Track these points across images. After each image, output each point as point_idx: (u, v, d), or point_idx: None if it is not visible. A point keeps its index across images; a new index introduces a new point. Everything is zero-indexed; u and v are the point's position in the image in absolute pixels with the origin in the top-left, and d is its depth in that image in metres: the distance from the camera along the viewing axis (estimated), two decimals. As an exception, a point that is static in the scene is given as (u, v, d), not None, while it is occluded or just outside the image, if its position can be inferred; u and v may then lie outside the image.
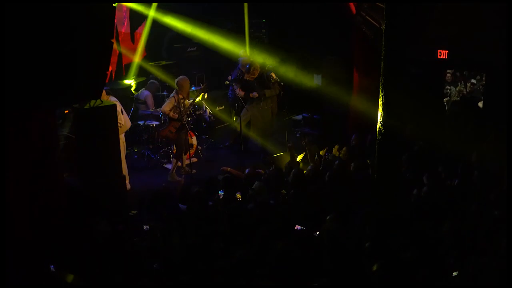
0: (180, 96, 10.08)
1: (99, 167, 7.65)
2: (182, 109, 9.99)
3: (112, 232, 6.39)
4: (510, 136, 7.98)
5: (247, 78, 11.07)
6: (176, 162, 10.27)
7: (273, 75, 11.33)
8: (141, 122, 11.04)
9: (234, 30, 13.30)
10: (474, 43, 9.89)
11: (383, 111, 6.75)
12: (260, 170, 8.65)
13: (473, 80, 11.19)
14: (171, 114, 9.99)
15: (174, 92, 10.22)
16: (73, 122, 8.77)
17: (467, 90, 11.14)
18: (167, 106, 10.01)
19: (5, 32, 5.62)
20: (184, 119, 10.06)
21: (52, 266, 5.86)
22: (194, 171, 10.34)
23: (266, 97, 11.18)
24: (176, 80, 10.28)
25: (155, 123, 11.01)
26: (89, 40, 6.38)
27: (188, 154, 10.46)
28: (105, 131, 7.70)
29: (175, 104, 9.99)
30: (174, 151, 10.42)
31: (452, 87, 11.20)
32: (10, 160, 6.28)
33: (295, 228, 6.41)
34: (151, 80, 11.74)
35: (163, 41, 13.12)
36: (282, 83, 11.64)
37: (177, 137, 10.12)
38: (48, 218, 6.62)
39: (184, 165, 10.43)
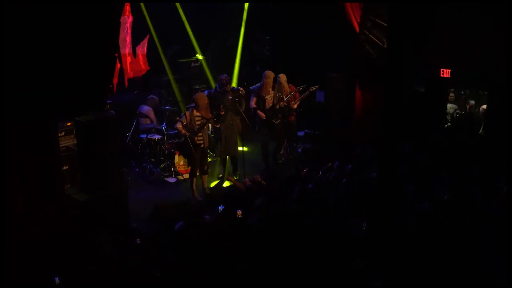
0: (196, 113, 9.61)
1: (101, 179, 7.67)
2: (197, 126, 9.56)
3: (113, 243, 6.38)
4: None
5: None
6: (192, 179, 9.89)
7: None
8: (143, 136, 11.05)
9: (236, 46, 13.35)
10: (477, 61, 9.87)
11: (385, 128, 6.76)
12: (262, 182, 8.63)
13: (471, 101, 11.19)
14: (183, 131, 9.53)
15: (190, 109, 9.90)
16: (75, 135, 8.83)
17: (467, 110, 11.16)
18: (179, 124, 9.63)
19: (10, 44, 5.68)
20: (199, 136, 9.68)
21: (57, 278, 5.84)
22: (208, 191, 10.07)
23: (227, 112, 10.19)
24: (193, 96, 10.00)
25: (157, 136, 11.02)
26: (93, 53, 6.44)
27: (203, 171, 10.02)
28: (107, 143, 7.72)
29: (187, 122, 9.60)
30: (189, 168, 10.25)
31: (455, 105, 11.23)
32: (13, 172, 6.31)
33: None
34: (151, 96, 11.75)
35: (166, 55, 13.14)
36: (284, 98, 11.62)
37: (192, 153, 9.71)
38: (52, 230, 6.63)
39: (206, 185, 10.04)
